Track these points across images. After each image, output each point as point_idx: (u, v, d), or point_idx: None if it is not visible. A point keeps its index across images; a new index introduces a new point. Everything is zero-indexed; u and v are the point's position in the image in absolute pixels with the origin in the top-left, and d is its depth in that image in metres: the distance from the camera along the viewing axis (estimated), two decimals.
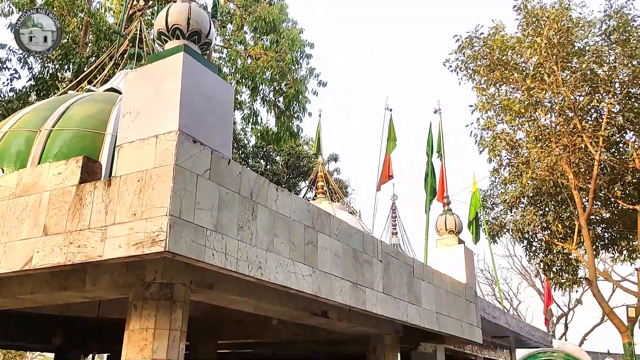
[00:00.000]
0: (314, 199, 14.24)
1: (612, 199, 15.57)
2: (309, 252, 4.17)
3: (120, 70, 7.82)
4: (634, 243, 16.51)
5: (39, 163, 4.96)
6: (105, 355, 10.08)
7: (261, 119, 15.45)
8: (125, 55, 8.30)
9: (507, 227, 17.87)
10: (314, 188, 16.09)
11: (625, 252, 17.52)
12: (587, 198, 14.94)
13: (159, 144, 3.17)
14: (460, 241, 8.76)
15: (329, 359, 11.05)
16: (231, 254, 3.34)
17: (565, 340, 32.16)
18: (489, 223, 17.76)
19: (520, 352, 18.40)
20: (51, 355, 11.07)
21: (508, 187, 17.65)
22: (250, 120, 15.43)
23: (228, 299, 4.22)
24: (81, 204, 3.29)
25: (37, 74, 12.93)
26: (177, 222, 2.97)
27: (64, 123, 5.50)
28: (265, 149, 22.94)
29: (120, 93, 5.80)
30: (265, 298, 4.37)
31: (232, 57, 14.64)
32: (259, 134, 16.10)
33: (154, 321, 3.41)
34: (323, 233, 4.42)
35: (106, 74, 8.04)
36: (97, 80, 7.83)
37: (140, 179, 3.11)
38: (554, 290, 19.39)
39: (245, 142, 22.55)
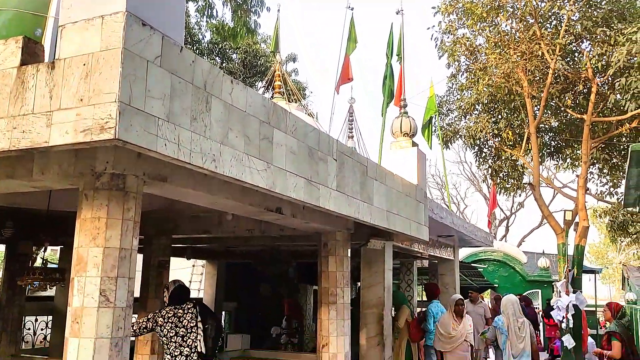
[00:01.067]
0: (271, 99, 14.03)
1: (562, 108, 16.00)
2: (264, 148, 4.15)
3: None
4: (577, 152, 17.25)
5: None
6: (58, 248, 10.10)
7: (217, 12, 14.66)
8: None
9: (460, 134, 18.25)
10: (271, 89, 15.78)
11: (568, 160, 18.35)
12: (539, 106, 15.30)
13: (105, 25, 2.97)
14: (414, 144, 8.94)
15: (282, 254, 11.46)
16: (184, 144, 3.28)
17: (506, 241, 34.41)
18: (443, 129, 18.08)
19: (464, 251, 19.61)
20: (2, 247, 11.01)
21: (464, 94, 17.82)
22: (205, 12, 14.63)
23: (182, 192, 4.21)
24: (23, 87, 3.11)
25: None
26: (126, 109, 2.86)
27: (1, 4, 5.06)
28: (220, 45, 22.08)
29: None
30: (220, 192, 4.38)
31: None
32: (214, 28, 15.33)
33: (107, 211, 3.38)
34: (279, 129, 4.39)
35: None
36: None
37: (86, 63, 2.94)
38: (499, 194, 20.31)
39: (200, 37, 21.60)
